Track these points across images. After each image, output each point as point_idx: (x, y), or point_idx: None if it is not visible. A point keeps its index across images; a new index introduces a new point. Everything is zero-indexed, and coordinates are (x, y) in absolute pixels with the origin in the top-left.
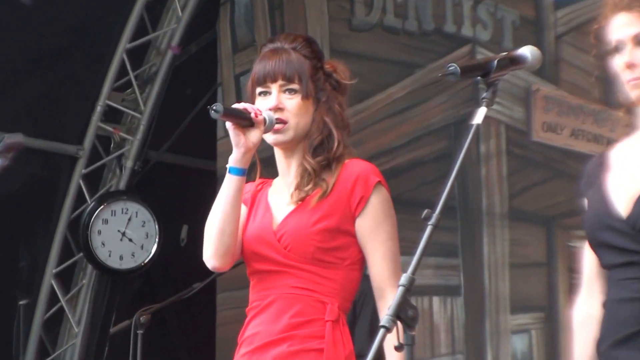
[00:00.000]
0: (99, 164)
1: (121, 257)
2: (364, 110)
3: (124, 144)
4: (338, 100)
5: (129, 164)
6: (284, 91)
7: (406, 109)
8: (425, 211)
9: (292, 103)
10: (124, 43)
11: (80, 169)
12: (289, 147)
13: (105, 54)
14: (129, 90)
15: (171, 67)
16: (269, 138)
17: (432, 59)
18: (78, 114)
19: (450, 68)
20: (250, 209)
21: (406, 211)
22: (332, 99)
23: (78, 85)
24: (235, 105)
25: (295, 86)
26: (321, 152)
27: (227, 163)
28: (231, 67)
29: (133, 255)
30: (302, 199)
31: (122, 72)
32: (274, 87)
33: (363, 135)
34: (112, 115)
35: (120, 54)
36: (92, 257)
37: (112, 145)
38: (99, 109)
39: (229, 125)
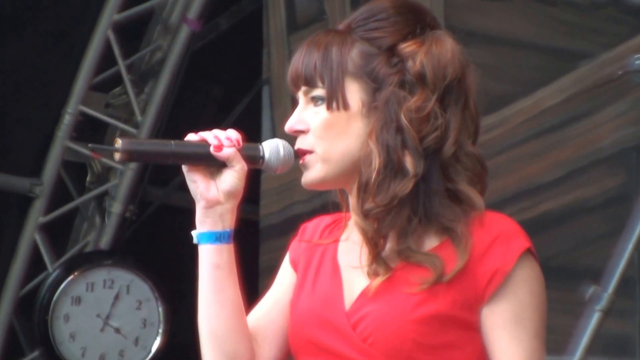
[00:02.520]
0: (66, 207)
1: (102, 359)
2: (496, 126)
3: (108, 176)
4: (410, 104)
5: (116, 208)
6: (313, 101)
7: (562, 125)
8: (591, 289)
9: (316, 120)
10: (110, 13)
11: (36, 216)
12: (336, 187)
13: (79, 30)
14: (118, 89)
15: (186, 53)
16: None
17: (606, 46)
18: (33, 128)
19: (638, 62)
20: (305, 269)
21: (557, 286)
22: (401, 103)
23: (33, 81)
24: (189, 136)
25: (319, 92)
26: (372, 196)
27: (274, 208)
28: (285, 54)
29: (122, 356)
30: (388, 272)
31: (105, 59)
32: (300, 95)
33: (493, 164)
34: (89, 130)
35: (102, 30)
36: (54, 358)
37: (88, 179)
38: (67, 119)
39: (184, 169)
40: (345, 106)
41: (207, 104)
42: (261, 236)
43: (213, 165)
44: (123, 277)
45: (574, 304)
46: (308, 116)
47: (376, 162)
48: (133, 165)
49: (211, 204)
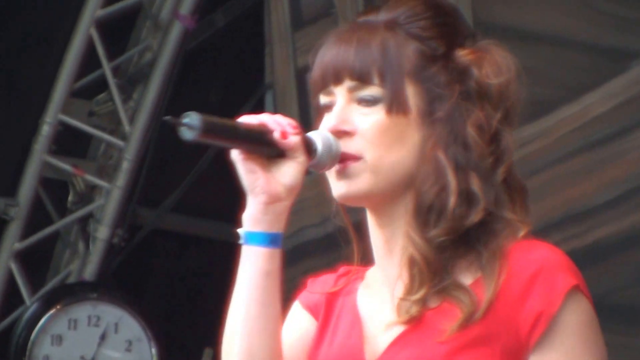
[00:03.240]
0: (45, 232)
1: None
2: (536, 137)
3: (92, 195)
4: (475, 119)
5: (102, 232)
6: (357, 100)
7: (614, 137)
8: None
9: (367, 122)
10: (92, 9)
11: (11, 242)
12: (375, 206)
13: (57, 29)
14: (102, 95)
15: (179, 53)
16: (332, 188)
17: None
18: (7, 141)
19: None
20: (325, 321)
21: (615, 328)
22: (464, 116)
23: (6, 86)
24: (246, 119)
25: (373, 90)
26: (435, 222)
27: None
28: (289, 54)
29: None
30: (417, 317)
31: (88, 62)
32: (339, 94)
33: (534, 184)
34: (70, 142)
35: (84, 29)
36: None
37: (70, 199)
38: (45, 130)
39: (235, 155)
40: (405, 111)
41: (203, 111)
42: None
43: (270, 154)
44: (110, 313)
45: (636, 350)
46: (354, 117)
47: (452, 183)
48: (121, 184)
49: (273, 200)
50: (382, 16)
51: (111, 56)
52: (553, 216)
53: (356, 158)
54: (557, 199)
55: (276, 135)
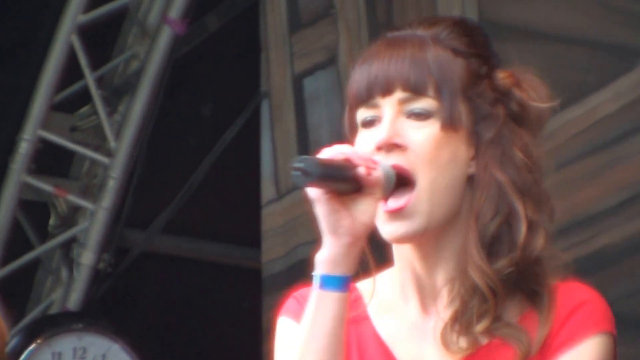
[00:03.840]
0: (25, 258)
1: None
2: (540, 139)
3: (75, 217)
4: (523, 142)
5: (86, 257)
6: (407, 114)
7: (621, 139)
8: None
9: (421, 136)
10: (73, 14)
11: None
12: (427, 241)
13: (36, 36)
14: (85, 108)
15: (169, 61)
16: (383, 228)
17: None
18: None
19: None
20: (347, 352)
21: (623, 338)
22: (510, 137)
23: None
24: (330, 154)
25: (429, 103)
26: (501, 252)
27: (277, 253)
28: (286, 59)
29: None
30: (470, 354)
31: (69, 72)
32: (387, 105)
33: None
34: (51, 161)
35: (65, 36)
36: None
37: (52, 222)
38: (23, 147)
39: (318, 195)
40: (458, 127)
41: (194, 124)
42: (264, 288)
43: (349, 190)
44: (98, 345)
45: None
46: (404, 129)
47: (520, 209)
48: (106, 204)
49: (355, 240)
50: (422, 32)
51: (94, 65)
52: (558, 222)
53: (410, 179)
54: (562, 204)
55: (362, 171)
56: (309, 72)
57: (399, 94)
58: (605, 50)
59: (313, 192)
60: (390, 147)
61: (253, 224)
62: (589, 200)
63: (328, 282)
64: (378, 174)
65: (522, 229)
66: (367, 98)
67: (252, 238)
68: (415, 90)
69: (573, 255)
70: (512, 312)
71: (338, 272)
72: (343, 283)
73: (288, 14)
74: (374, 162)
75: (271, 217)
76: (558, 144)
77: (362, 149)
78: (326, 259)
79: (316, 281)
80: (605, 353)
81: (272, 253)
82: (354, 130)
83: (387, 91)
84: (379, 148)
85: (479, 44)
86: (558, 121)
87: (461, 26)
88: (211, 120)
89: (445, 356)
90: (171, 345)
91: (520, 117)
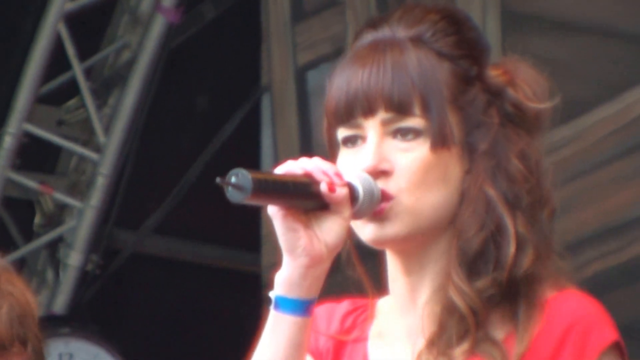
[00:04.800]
0: (8, 259)
1: None
2: (570, 140)
3: (62, 216)
4: (519, 148)
5: (73, 259)
6: (393, 133)
7: None
8: None
9: (408, 159)
10: (60, 2)
11: None
12: (413, 255)
13: (21, 25)
14: (73, 101)
15: (162, 51)
16: (362, 230)
17: None
18: None
19: None
20: None
21: None
22: (506, 144)
23: None
24: (288, 168)
25: (415, 122)
26: (484, 270)
27: (278, 254)
28: (289, 50)
29: None
30: None
31: (56, 63)
32: (370, 127)
33: (568, 191)
34: (36, 156)
35: (51, 25)
36: None
37: (37, 221)
38: (7, 141)
39: (273, 211)
40: (450, 144)
41: (189, 118)
42: (264, 296)
43: (310, 207)
44: (85, 351)
45: None
46: (390, 153)
47: (509, 226)
48: (95, 203)
49: (315, 263)
50: (402, 32)
51: (83, 56)
52: (587, 230)
53: (389, 198)
54: (592, 210)
55: (323, 188)
56: (313, 64)
57: (382, 115)
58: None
59: (269, 209)
60: (377, 174)
61: (250, 226)
62: (622, 206)
63: (283, 304)
64: (343, 190)
65: (511, 246)
66: (347, 118)
67: (250, 241)
68: (400, 111)
69: (604, 265)
70: (500, 328)
71: (294, 294)
72: (300, 307)
73: (291, 3)
74: (341, 178)
75: (271, 220)
76: (589, 144)
77: (333, 165)
78: (283, 279)
79: (272, 302)
80: None
81: (273, 256)
82: (333, 147)
83: (369, 112)
84: (368, 172)
85: (467, 41)
86: (589, 120)
87: (447, 22)
88: (207, 115)
89: None
90: (162, 352)
91: (516, 119)
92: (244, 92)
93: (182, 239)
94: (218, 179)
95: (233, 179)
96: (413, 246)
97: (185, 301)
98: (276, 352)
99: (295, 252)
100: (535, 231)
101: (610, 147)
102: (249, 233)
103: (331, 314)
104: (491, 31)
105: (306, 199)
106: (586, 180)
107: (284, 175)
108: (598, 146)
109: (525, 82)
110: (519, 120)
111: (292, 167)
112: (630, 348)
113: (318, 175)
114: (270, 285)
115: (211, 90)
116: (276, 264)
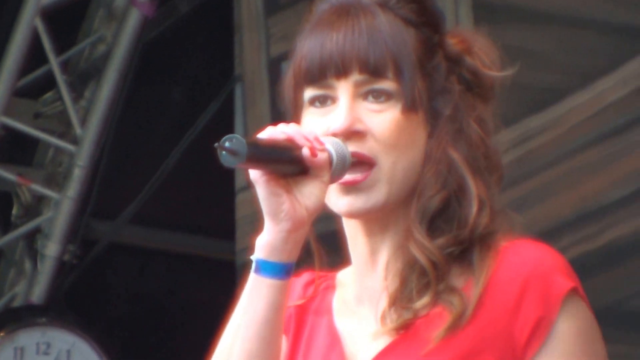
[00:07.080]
0: None
1: None
2: (545, 128)
3: (39, 207)
4: (477, 113)
5: (51, 249)
6: (364, 95)
7: (631, 126)
8: None
9: (382, 121)
10: None
11: None
12: (376, 218)
13: None
14: (49, 94)
15: (137, 45)
16: (337, 201)
17: None
18: None
19: None
20: (295, 339)
21: (630, 338)
22: (466, 110)
23: None
24: (270, 134)
25: (388, 85)
26: (446, 228)
27: (251, 241)
28: (262, 42)
29: None
30: (406, 326)
31: (33, 56)
32: (342, 88)
33: (545, 178)
34: (13, 148)
35: (28, 19)
36: None
37: (14, 212)
38: None
39: (256, 176)
40: (418, 108)
41: (165, 110)
42: (238, 278)
43: (294, 172)
44: (62, 340)
45: None
46: (363, 114)
47: (472, 186)
48: (72, 194)
49: (297, 227)
50: None
51: (59, 49)
52: (564, 215)
53: (371, 163)
54: (568, 196)
55: (305, 152)
56: (287, 56)
57: (355, 76)
58: (614, 32)
59: (252, 173)
60: (349, 134)
61: (226, 215)
62: (597, 192)
63: (264, 267)
64: (324, 155)
65: (473, 207)
66: (319, 78)
67: (225, 229)
68: (374, 73)
69: (581, 250)
70: (460, 279)
71: (275, 258)
72: (280, 270)
73: None
74: (320, 143)
75: (244, 204)
76: (564, 132)
77: (311, 130)
78: (265, 243)
79: (253, 265)
80: (583, 312)
81: (247, 241)
82: (298, 108)
83: (342, 73)
84: (336, 135)
85: (428, 9)
86: (563, 108)
87: None
88: (182, 106)
89: (385, 336)
90: (140, 341)
91: (474, 86)
92: (219, 84)
93: (158, 229)
94: (216, 144)
95: (227, 144)
96: (393, 212)
97: (161, 289)
98: (255, 315)
99: (278, 217)
100: (490, 193)
101: (585, 134)
102: (225, 222)
103: (292, 285)
104: (463, 21)
105: (289, 164)
106: (562, 167)
107: (271, 141)
108: (572, 133)
109: (481, 50)
110: (476, 86)
111: (274, 132)
112: (607, 332)
113: (300, 140)
114: (245, 268)
115: (186, 82)
116: (249, 247)
